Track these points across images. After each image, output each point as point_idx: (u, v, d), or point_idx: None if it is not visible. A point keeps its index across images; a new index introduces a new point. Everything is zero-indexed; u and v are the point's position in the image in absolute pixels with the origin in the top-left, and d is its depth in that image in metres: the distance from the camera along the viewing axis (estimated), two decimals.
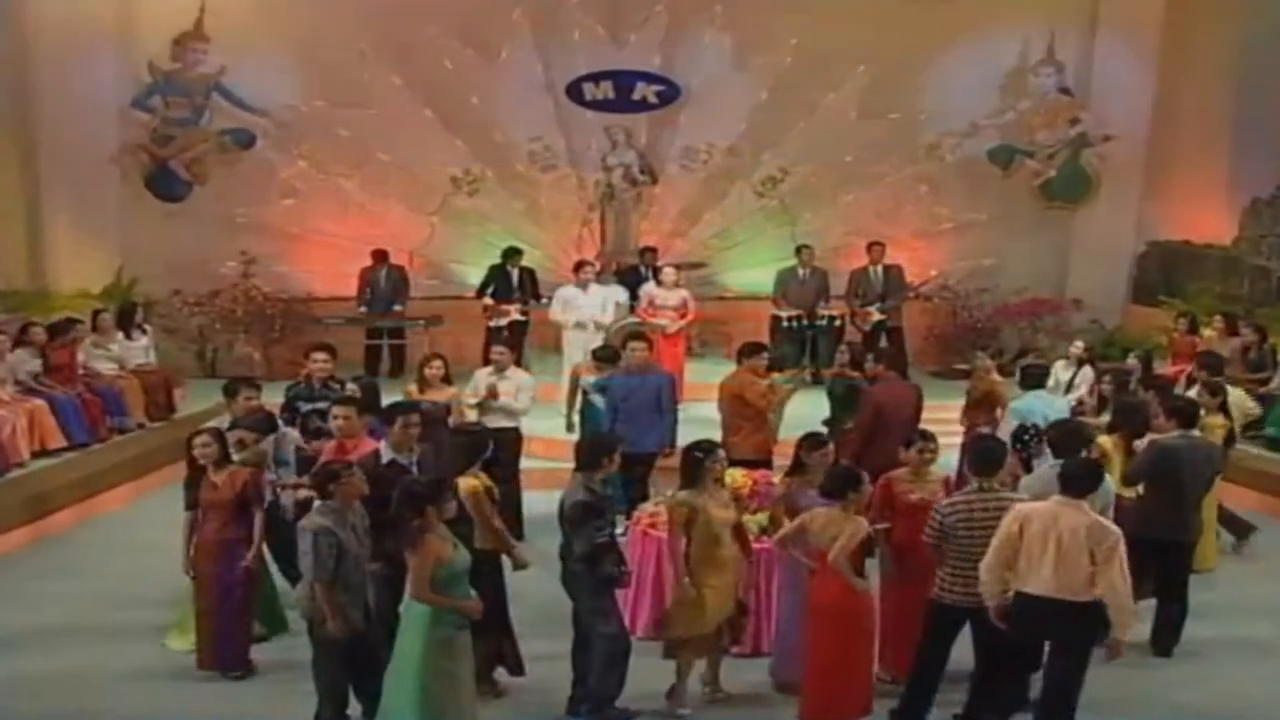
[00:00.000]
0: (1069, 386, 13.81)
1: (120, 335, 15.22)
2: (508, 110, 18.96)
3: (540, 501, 10.68)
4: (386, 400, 11.01)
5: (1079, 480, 7.74)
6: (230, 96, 18.43)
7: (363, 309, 17.76)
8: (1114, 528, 7.61)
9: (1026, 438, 9.41)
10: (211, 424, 9.84)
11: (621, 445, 8.73)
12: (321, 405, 10.69)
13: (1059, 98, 19.50)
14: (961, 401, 13.04)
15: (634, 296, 16.66)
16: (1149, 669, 9.27)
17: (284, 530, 9.27)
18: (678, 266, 16.72)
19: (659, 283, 16.28)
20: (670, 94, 19.11)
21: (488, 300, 17.02)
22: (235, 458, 9.27)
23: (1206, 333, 16.03)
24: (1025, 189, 19.76)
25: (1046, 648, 7.96)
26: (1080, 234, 19.86)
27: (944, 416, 12.75)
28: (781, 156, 19.31)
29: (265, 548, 9.46)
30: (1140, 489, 9.70)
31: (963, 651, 8.29)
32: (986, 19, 19.02)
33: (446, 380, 11.62)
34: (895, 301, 17.62)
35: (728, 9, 18.77)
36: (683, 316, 16.01)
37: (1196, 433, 9.87)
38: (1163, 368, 14.79)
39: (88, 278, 17.48)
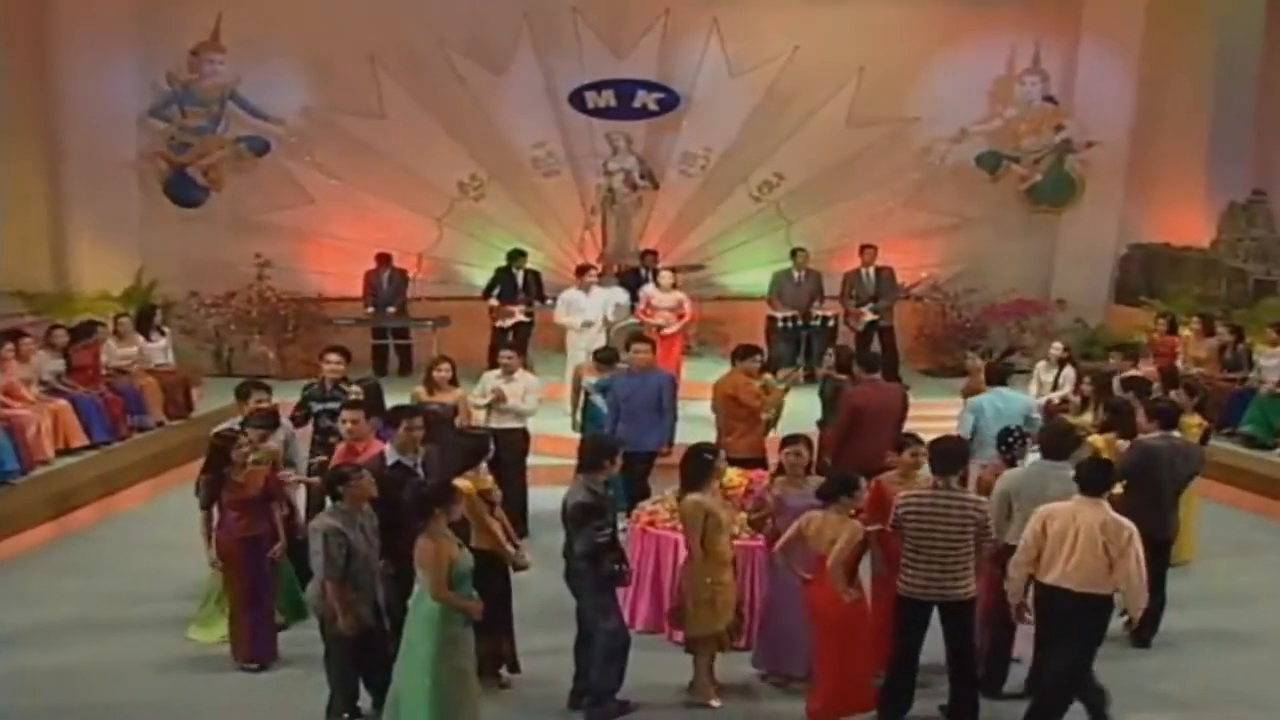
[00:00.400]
0: (1054, 386, 13.87)
1: (140, 338, 15.25)
2: (512, 118, 18.95)
3: (545, 498, 10.66)
4: (395, 400, 11.10)
5: (1095, 479, 7.94)
6: (245, 105, 18.41)
7: (369, 309, 17.77)
8: (1128, 523, 7.80)
9: (1011, 440, 9.42)
10: (225, 425, 9.85)
11: (622, 448, 8.73)
12: (332, 405, 10.73)
13: (1044, 105, 19.49)
14: (951, 399, 13.12)
15: (634, 298, 16.68)
16: (1128, 660, 9.31)
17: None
18: (674, 270, 16.71)
19: (658, 285, 16.31)
20: (669, 102, 19.09)
21: (493, 302, 17.03)
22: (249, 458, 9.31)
23: (1185, 333, 16.07)
24: (1012, 193, 19.75)
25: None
26: (1065, 237, 19.85)
27: (933, 414, 12.79)
28: (777, 162, 19.30)
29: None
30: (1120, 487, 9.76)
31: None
32: (975, 30, 19.01)
33: (453, 382, 11.66)
34: (887, 302, 17.60)
35: (724, 20, 18.77)
36: (679, 318, 16.02)
37: (1177, 434, 9.90)
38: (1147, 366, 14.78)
39: (109, 280, 17.49)
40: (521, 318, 16.95)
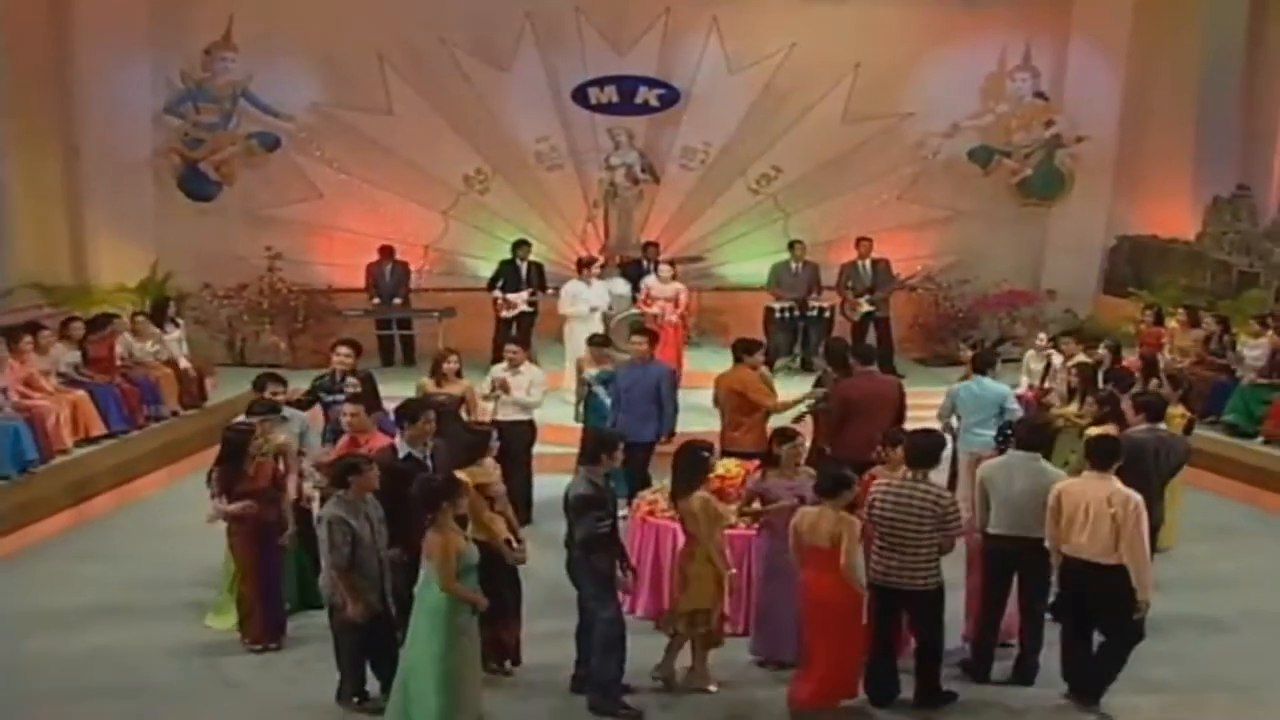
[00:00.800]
0: (1043, 376, 13.89)
1: (158, 331, 15.31)
2: (516, 113, 18.97)
3: (550, 486, 10.71)
4: (398, 390, 11.38)
5: (1103, 454, 8.27)
6: (256, 102, 18.40)
7: (375, 300, 17.84)
8: (1135, 495, 8.07)
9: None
10: (239, 419, 9.90)
11: (623, 441, 8.75)
12: (340, 397, 10.81)
13: (1035, 101, 19.48)
14: (944, 387, 13.18)
15: (636, 289, 16.75)
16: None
17: (307, 519, 9.41)
18: (672, 263, 16.77)
19: (658, 276, 16.38)
20: (670, 97, 19.10)
21: (497, 293, 17.11)
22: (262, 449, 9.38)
23: (1171, 324, 16.12)
24: (1003, 187, 19.74)
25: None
26: (1055, 229, 19.85)
27: (926, 403, 12.81)
28: (774, 156, 19.31)
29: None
30: None
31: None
32: (967, 29, 19.02)
33: (460, 374, 11.72)
34: (883, 293, 17.65)
35: (723, 18, 18.79)
36: (677, 307, 16.08)
37: (1163, 426, 9.97)
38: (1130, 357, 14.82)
39: (125, 273, 17.51)
40: (524, 308, 17.01)
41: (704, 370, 14.81)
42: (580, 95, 18.98)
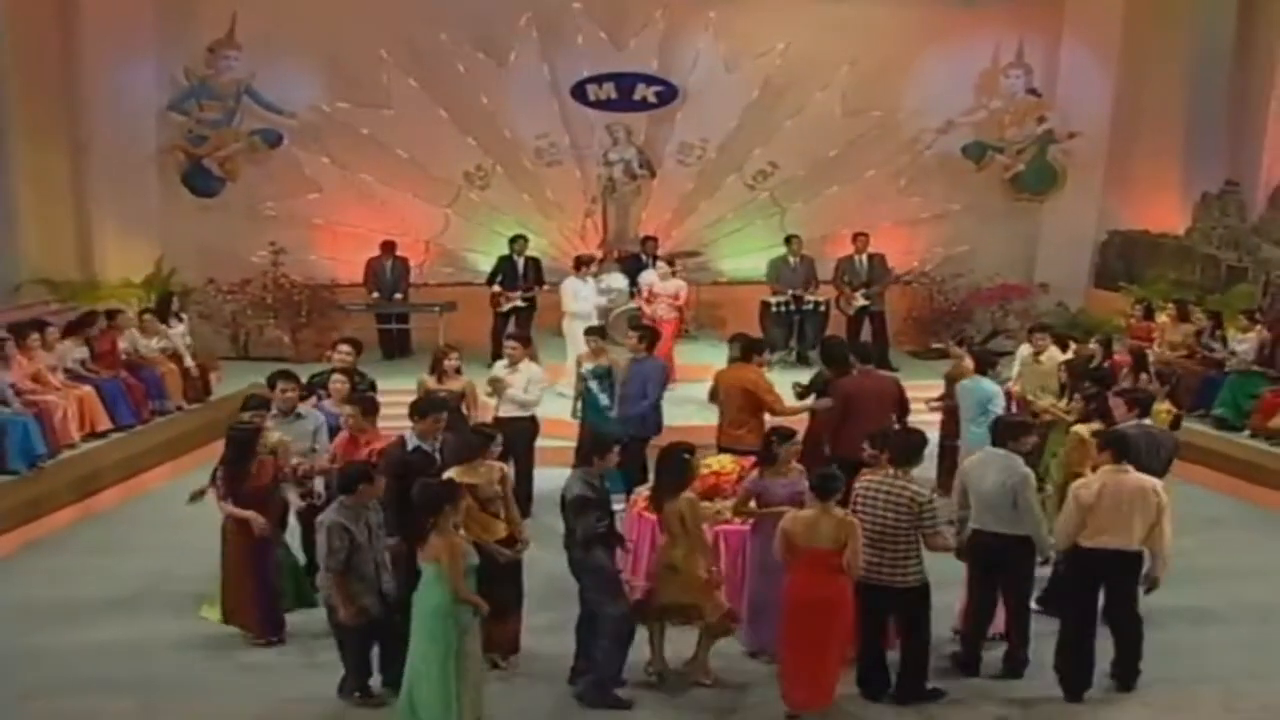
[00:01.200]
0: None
1: (164, 327, 15.33)
2: (516, 110, 18.96)
3: (551, 479, 10.61)
4: (395, 384, 11.47)
5: (1125, 448, 8.48)
6: (259, 99, 18.41)
7: (375, 294, 17.86)
8: (1159, 485, 8.41)
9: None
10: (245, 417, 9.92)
11: (616, 444, 8.74)
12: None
13: (1027, 98, 19.49)
14: (938, 380, 13.36)
15: (634, 283, 16.77)
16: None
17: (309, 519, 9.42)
18: (671, 261, 16.78)
19: (657, 273, 16.40)
20: (668, 94, 19.10)
21: (495, 288, 17.13)
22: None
23: (1161, 318, 16.15)
24: (996, 182, 19.76)
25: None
26: (1047, 223, 19.89)
27: (921, 396, 12.79)
28: (771, 152, 19.30)
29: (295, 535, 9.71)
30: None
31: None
32: (961, 26, 19.03)
33: (460, 371, 11.74)
34: (879, 288, 17.69)
35: (721, 16, 18.79)
36: (677, 303, 16.12)
37: (1149, 421, 10.01)
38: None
39: (131, 268, 17.53)
40: (520, 303, 17.05)
41: (701, 364, 14.92)
42: (579, 92, 18.99)
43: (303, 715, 8.35)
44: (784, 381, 12.44)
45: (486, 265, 17.96)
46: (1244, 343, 14.73)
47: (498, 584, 8.04)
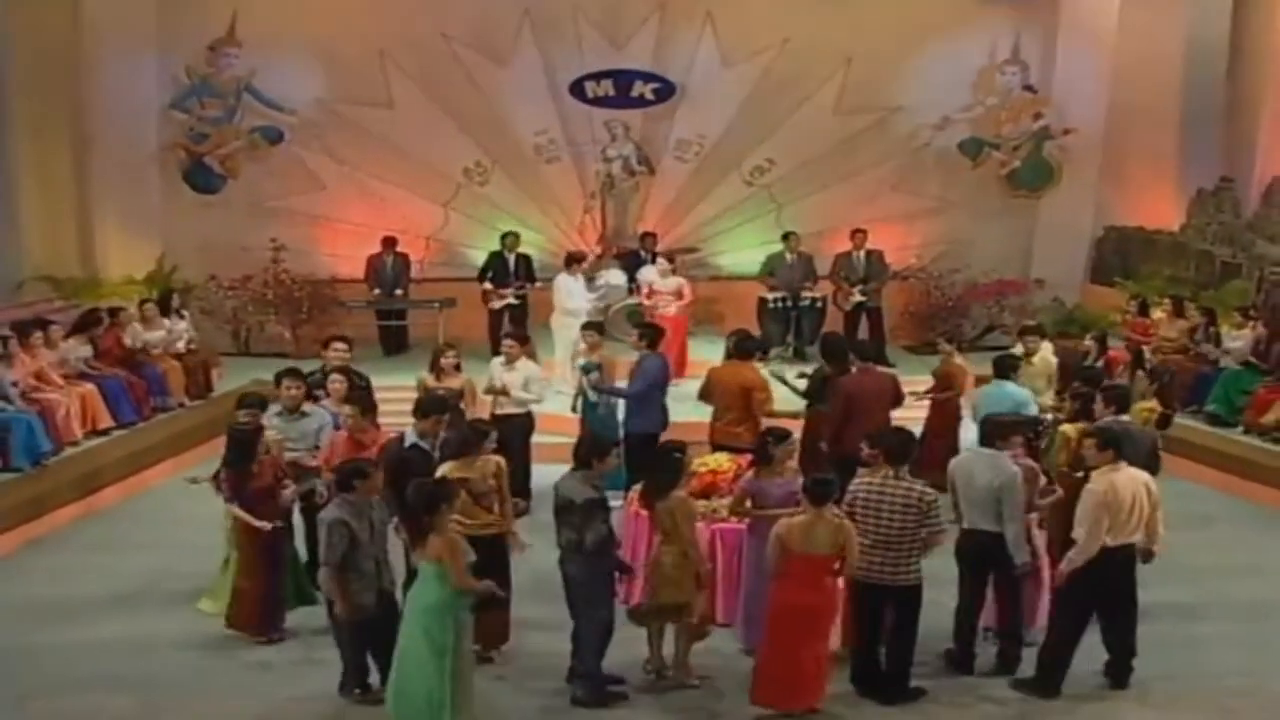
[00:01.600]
0: None
1: (165, 321, 15.35)
2: (515, 107, 18.97)
3: (548, 475, 10.48)
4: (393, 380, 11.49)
5: (1121, 446, 8.50)
6: (260, 97, 18.42)
7: (375, 291, 17.88)
8: (1150, 478, 8.54)
9: (1039, 428, 9.73)
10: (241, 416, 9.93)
11: (614, 447, 8.84)
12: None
13: (1023, 94, 19.47)
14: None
15: (632, 279, 16.77)
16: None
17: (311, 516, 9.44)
18: (670, 258, 16.79)
19: (657, 269, 16.41)
20: (665, 91, 19.10)
21: (486, 285, 17.15)
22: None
23: (1156, 314, 16.16)
24: (993, 178, 19.73)
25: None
26: (1043, 219, 19.86)
27: (914, 391, 12.85)
28: (768, 148, 19.30)
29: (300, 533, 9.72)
30: None
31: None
32: (957, 22, 19.03)
33: (458, 368, 11.76)
34: (876, 284, 17.70)
35: (717, 13, 18.78)
36: (680, 299, 16.13)
37: (1126, 417, 10.05)
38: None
39: (133, 265, 17.57)
40: (512, 300, 17.06)
41: (700, 360, 14.89)
42: (577, 89, 19.00)
43: (303, 712, 8.36)
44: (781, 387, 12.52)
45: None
46: (1238, 339, 14.74)
47: (486, 576, 8.02)
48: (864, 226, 17.94)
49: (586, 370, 12.37)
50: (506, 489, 8.97)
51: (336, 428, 10.11)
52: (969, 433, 11.52)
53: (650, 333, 12.44)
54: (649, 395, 11.98)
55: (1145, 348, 14.55)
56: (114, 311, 14.98)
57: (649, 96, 19.12)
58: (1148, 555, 8.67)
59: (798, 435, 10.14)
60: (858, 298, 17.52)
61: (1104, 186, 19.71)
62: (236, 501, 9.20)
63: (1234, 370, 14.52)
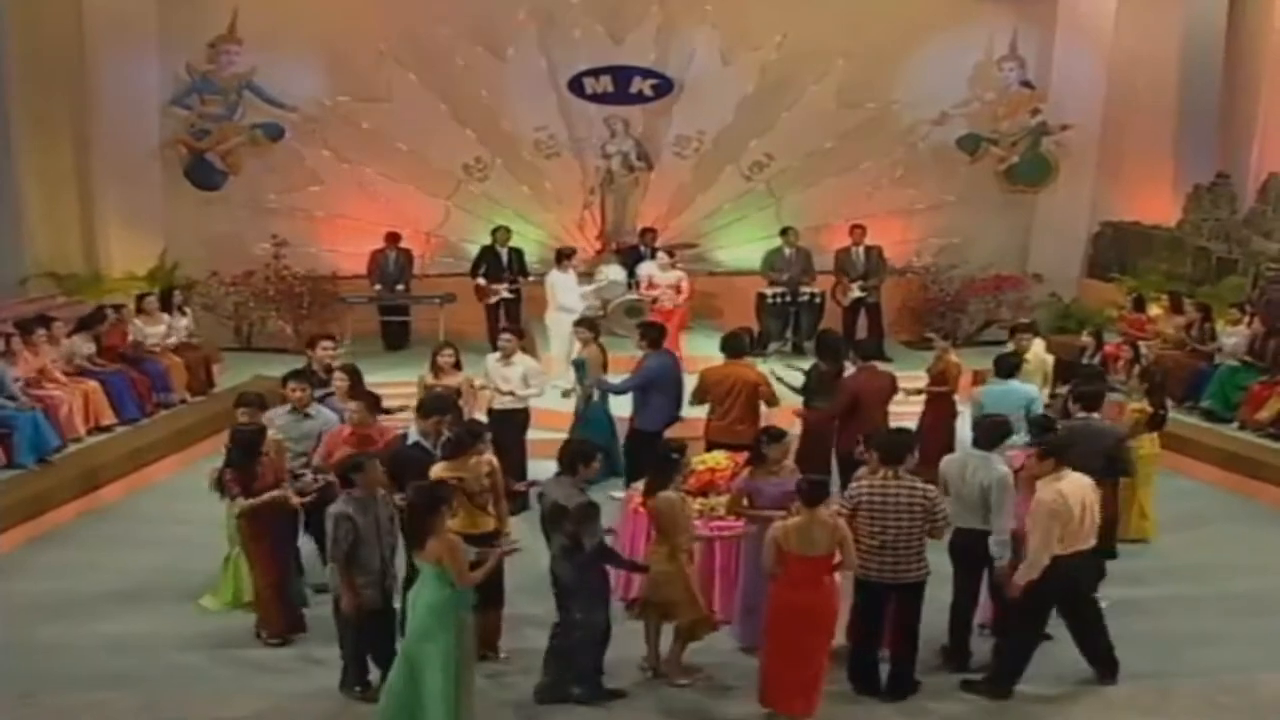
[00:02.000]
0: None
1: (166, 316, 15.40)
2: (514, 103, 18.92)
3: (539, 470, 10.73)
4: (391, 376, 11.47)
5: (1062, 453, 8.49)
6: (261, 93, 18.38)
7: (377, 286, 17.91)
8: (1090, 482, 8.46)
9: (1046, 425, 9.69)
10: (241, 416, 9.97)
11: (599, 453, 8.76)
12: (329, 390, 10.89)
13: (1021, 90, 19.44)
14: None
15: (632, 274, 16.81)
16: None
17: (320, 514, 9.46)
18: (670, 252, 16.81)
19: (657, 264, 16.43)
20: (664, 87, 19.06)
21: (480, 280, 17.17)
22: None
23: (1154, 310, 16.19)
24: (990, 173, 19.71)
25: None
26: (1040, 215, 19.87)
27: (909, 387, 12.94)
28: (767, 143, 19.23)
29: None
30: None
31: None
32: (955, 18, 19.01)
33: (457, 366, 11.80)
34: (876, 280, 17.73)
35: (717, 8, 18.73)
36: (680, 294, 16.15)
37: (1096, 416, 10.13)
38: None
39: (135, 261, 17.60)
40: (505, 295, 17.08)
41: (699, 355, 14.88)
42: (576, 85, 18.96)
43: (305, 709, 8.41)
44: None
45: None
46: (1234, 335, 14.78)
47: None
48: (862, 222, 17.97)
49: (576, 365, 12.44)
50: (501, 488, 8.99)
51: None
52: (964, 430, 11.47)
53: (651, 332, 12.48)
54: (651, 392, 12.01)
55: (1142, 343, 14.57)
56: (118, 308, 15.03)
57: (648, 93, 19.06)
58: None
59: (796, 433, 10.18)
60: (857, 293, 17.55)
61: (1101, 182, 19.72)
62: (243, 498, 9.20)
63: (1230, 366, 14.56)
